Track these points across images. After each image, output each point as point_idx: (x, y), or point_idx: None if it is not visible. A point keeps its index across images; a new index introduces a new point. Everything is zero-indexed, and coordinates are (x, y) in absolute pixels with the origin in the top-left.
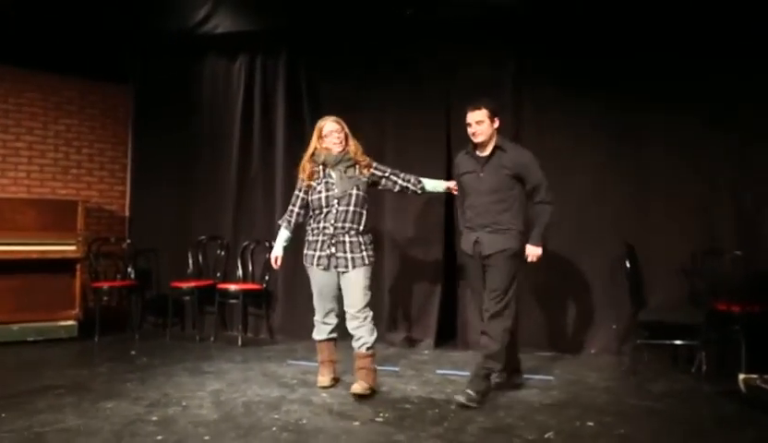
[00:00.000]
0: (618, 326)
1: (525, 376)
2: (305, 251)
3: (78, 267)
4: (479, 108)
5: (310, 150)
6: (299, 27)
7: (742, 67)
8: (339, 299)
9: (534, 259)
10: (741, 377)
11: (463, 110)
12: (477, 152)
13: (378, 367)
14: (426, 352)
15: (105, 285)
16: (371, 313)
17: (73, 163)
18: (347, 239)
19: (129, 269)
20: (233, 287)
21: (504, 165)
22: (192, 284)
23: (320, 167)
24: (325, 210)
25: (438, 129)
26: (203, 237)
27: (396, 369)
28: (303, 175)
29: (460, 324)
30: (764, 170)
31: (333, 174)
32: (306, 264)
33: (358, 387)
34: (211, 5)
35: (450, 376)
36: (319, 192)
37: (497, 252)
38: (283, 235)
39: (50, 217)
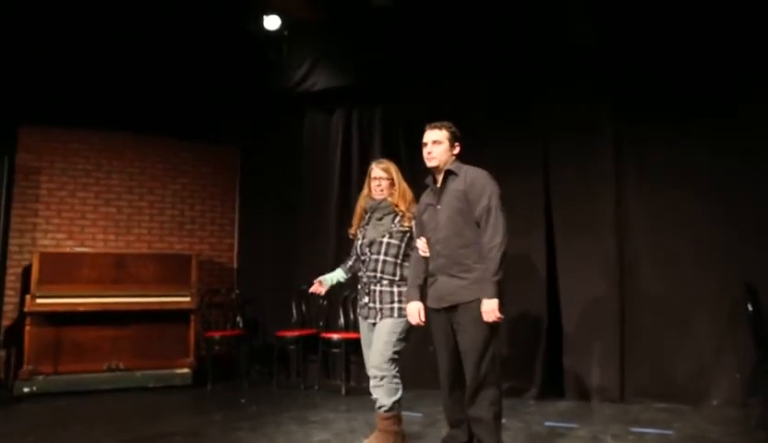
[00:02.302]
0: (741, 375)
1: (642, 429)
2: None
3: (192, 317)
4: (439, 128)
5: (362, 196)
6: (391, 82)
7: None
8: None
9: (492, 319)
10: None
11: (562, 161)
12: (434, 184)
13: None
14: (532, 402)
15: (217, 335)
16: (393, 372)
17: (187, 219)
18: (378, 288)
19: (238, 319)
20: (335, 336)
21: (456, 188)
22: (296, 333)
23: (367, 214)
24: (362, 258)
25: (537, 177)
26: (305, 286)
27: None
28: (354, 221)
29: (566, 371)
30: None
31: (370, 222)
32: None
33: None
34: (309, 65)
35: (558, 428)
36: (359, 239)
37: (462, 303)
38: (337, 272)
39: (167, 270)
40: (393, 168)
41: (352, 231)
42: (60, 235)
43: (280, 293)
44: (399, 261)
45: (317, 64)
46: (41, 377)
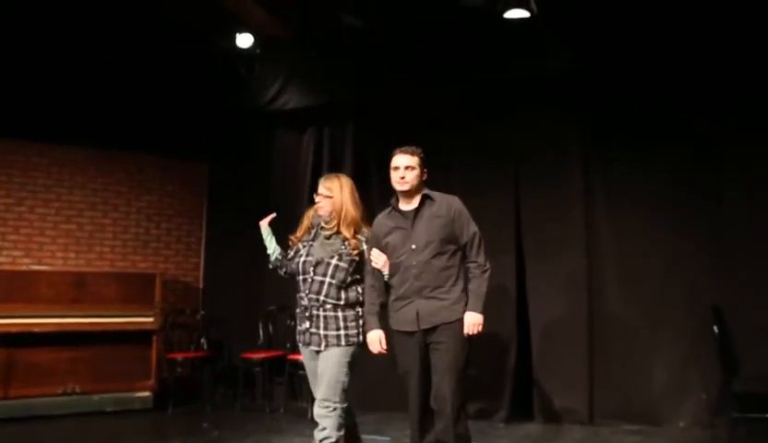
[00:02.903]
0: (707, 396)
1: None
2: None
3: (155, 338)
4: (411, 153)
5: (312, 208)
6: (364, 100)
7: None
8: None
9: (475, 331)
10: None
11: (532, 182)
12: (402, 206)
13: None
14: (501, 425)
15: (180, 356)
16: (343, 404)
17: (152, 237)
18: (321, 313)
19: (202, 340)
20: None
21: (437, 214)
22: (262, 355)
23: (313, 230)
24: (301, 278)
25: (507, 198)
26: (273, 307)
27: None
28: (299, 231)
29: (536, 393)
30: None
31: (316, 239)
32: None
33: None
34: (281, 83)
35: None
36: (302, 256)
37: (443, 324)
38: (275, 246)
39: (130, 289)
40: (338, 185)
41: (294, 238)
42: (17, 252)
43: (246, 314)
44: (344, 286)
45: (289, 82)
46: None
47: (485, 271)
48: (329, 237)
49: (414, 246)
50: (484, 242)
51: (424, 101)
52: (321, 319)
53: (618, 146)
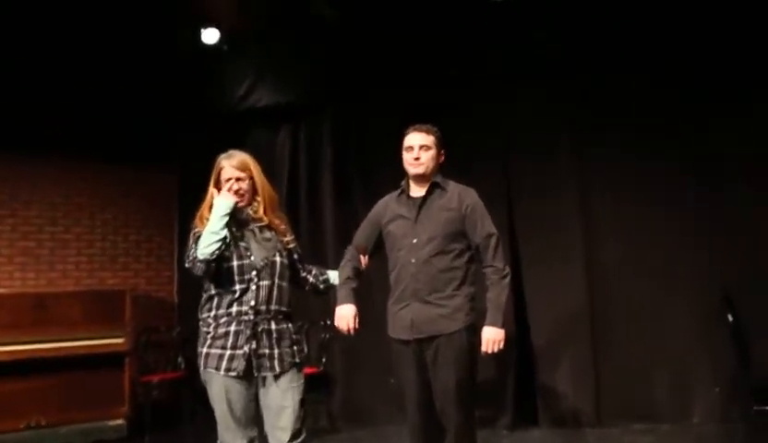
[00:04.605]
0: (720, 389)
1: None
2: (203, 349)
3: (127, 360)
4: (426, 131)
5: (208, 196)
6: (341, 96)
7: None
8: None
9: (495, 349)
10: None
11: (524, 167)
12: (412, 193)
13: None
14: (505, 432)
15: (155, 378)
16: (305, 433)
17: (120, 251)
18: (272, 327)
19: (179, 359)
20: None
21: (447, 206)
22: None
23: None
24: (239, 288)
25: (499, 191)
26: None
27: None
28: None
29: (539, 396)
30: None
31: (245, 236)
32: (209, 368)
33: None
34: (252, 80)
35: None
36: (228, 260)
37: (443, 335)
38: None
39: (97, 309)
40: (252, 163)
41: (199, 228)
42: None
43: None
44: (290, 288)
45: (259, 79)
46: None
47: (504, 277)
48: (261, 230)
49: (414, 241)
50: (502, 244)
51: (405, 95)
52: (273, 335)
53: (613, 136)
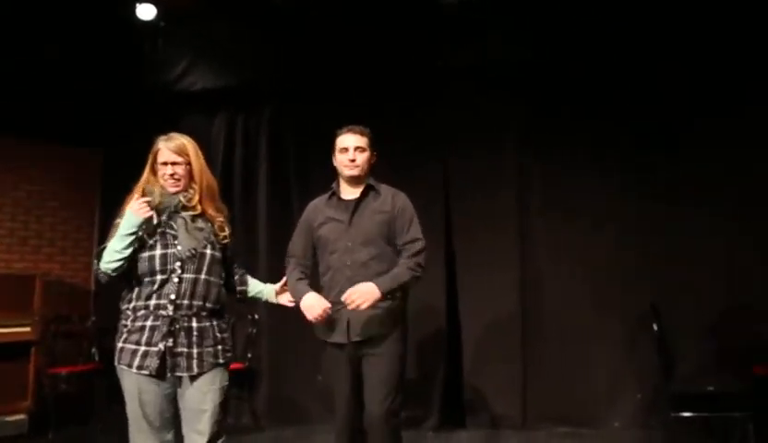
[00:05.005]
0: (642, 395)
1: None
2: (119, 343)
3: (33, 350)
4: (360, 133)
5: (141, 181)
6: (282, 83)
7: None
8: (177, 422)
9: (357, 302)
10: None
11: (464, 169)
12: (344, 195)
13: None
14: (430, 433)
15: (63, 371)
16: (224, 436)
17: (32, 233)
18: (194, 324)
19: (93, 350)
20: None
21: (380, 209)
22: None
23: (161, 216)
24: (159, 279)
25: (436, 196)
26: None
27: None
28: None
29: (467, 398)
30: None
31: (175, 224)
32: (122, 364)
33: None
34: (189, 61)
35: None
36: (151, 249)
37: (379, 336)
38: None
39: (2, 294)
40: (192, 148)
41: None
42: None
43: None
44: (221, 283)
45: (197, 60)
46: None
47: (414, 269)
48: (193, 219)
49: (349, 244)
50: (426, 253)
51: (350, 86)
52: (194, 333)
53: (557, 144)
